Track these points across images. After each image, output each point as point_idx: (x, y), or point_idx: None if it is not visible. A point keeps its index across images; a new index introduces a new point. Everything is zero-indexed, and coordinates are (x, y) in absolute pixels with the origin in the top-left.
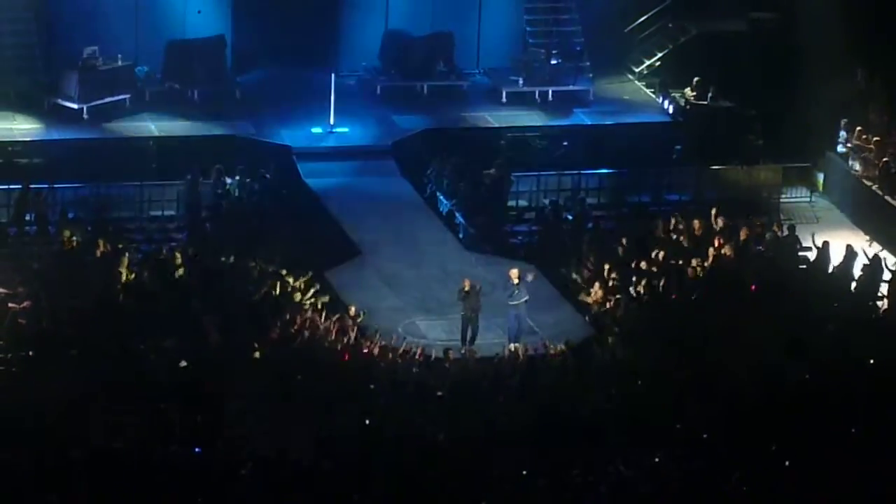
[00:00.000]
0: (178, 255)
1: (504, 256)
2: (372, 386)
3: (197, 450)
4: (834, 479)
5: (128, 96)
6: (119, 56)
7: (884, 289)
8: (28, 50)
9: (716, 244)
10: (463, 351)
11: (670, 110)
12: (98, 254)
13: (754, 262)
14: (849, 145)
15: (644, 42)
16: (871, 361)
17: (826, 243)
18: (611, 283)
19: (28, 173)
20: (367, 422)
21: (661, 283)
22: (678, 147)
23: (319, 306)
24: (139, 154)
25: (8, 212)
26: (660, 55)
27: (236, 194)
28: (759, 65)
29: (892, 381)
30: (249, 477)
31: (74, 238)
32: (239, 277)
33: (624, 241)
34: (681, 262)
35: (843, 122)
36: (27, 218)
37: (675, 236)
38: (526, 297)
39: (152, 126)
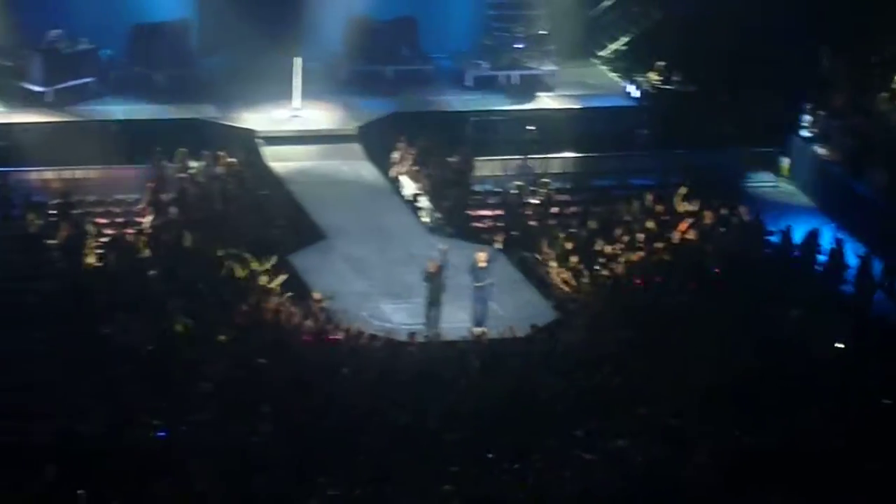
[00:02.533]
0: (142, 238)
1: (469, 240)
2: (339, 369)
3: (161, 434)
4: (798, 460)
5: (92, 79)
6: (84, 39)
7: (849, 274)
8: None
9: (680, 228)
10: (427, 335)
11: (635, 94)
12: (62, 237)
13: (718, 246)
14: (814, 129)
15: (609, 26)
16: (836, 346)
17: (790, 227)
18: (575, 268)
19: None
20: (331, 405)
21: (625, 268)
22: (644, 131)
23: (280, 288)
24: (104, 137)
25: None
26: (625, 39)
27: (201, 178)
28: (723, 48)
29: (856, 366)
30: (214, 460)
31: (38, 221)
32: (204, 261)
33: (588, 225)
34: (645, 246)
35: (807, 106)
36: None
37: (639, 220)
38: (491, 281)
39: (117, 109)
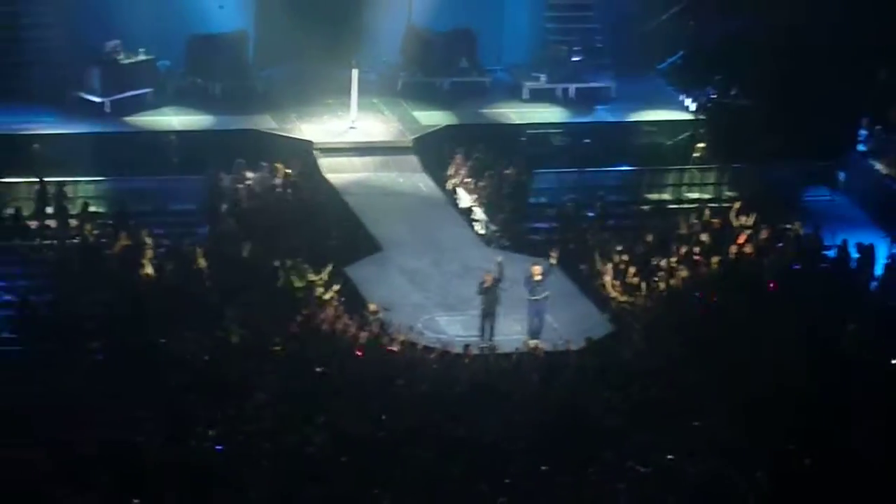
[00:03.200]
0: (199, 249)
1: (525, 253)
2: (394, 381)
3: (218, 448)
4: (854, 479)
5: (150, 90)
6: (141, 50)
7: None
8: (51, 43)
9: (736, 242)
10: (482, 347)
11: (692, 108)
12: (119, 248)
13: (774, 260)
14: (870, 144)
15: (666, 40)
16: (893, 361)
17: (846, 241)
18: (631, 281)
19: (50, 166)
20: (384, 417)
21: (682, 282)
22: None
23: (336, 299)
24: (161, 148)
25: (29, 205)
26: (681, 53)
27: (258, 189)
28: (780, 63)
29: None
30: (268, 471)
31: (96, 231)
32: (260, 272)
33: (644, 238)
34: (701, 261)
35: (864, 120)
36: (48, 211)
37: (695, 234)
38: (546, 294)
39: (174, 120)
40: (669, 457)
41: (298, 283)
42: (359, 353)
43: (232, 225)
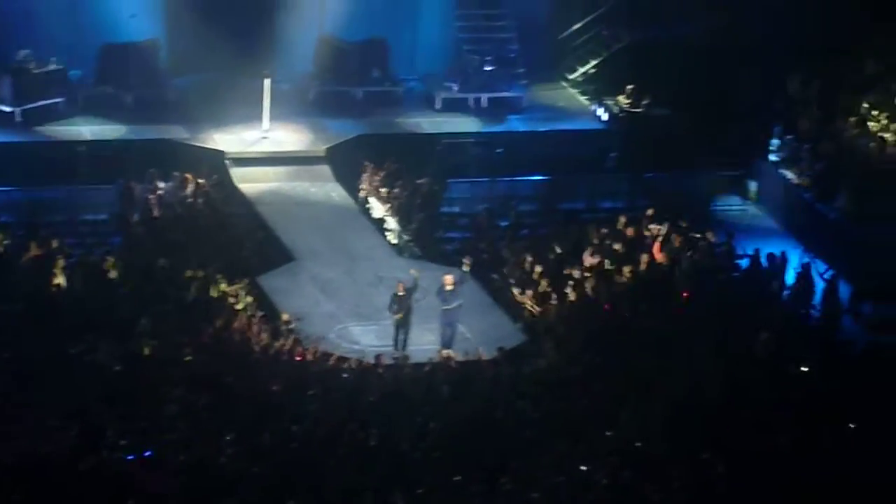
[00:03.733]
0: (110, 259)
1: (437, 262)
2: (306, 391)
3: (130, 457)
4: (766, 487)
5: (61, 99)
6: (53, 59)
7: (816, 297)
8: None
9: (648, 251)
10: (395, 356)
11: (604, 117)
12: (29, 258)
13: (687, 269)
14: (781, 153)
15: (578, 49)
16: (803, 369)
17: (758, 251)
18: (543, 290)
19: None
20: (295, 428)
21: (593, 290)
22: (612, 154)
23: (248, 309)
24: (72, 157)
25: None
26: (594, 62)
27: (170, 199)
28: (692, 73)
29: (823, 390)
30: (180, 482)
31: (6, 241)
32: (171, 281)
33: (557, 247)
34: (613, 269)
35: (775, 129)
36: None
37: (607, 243)
38: (459, 303)
39: (85, 129)
40: (583, 467)
41: (210, 294)
42: (274, 360)
43: (143, 235)
